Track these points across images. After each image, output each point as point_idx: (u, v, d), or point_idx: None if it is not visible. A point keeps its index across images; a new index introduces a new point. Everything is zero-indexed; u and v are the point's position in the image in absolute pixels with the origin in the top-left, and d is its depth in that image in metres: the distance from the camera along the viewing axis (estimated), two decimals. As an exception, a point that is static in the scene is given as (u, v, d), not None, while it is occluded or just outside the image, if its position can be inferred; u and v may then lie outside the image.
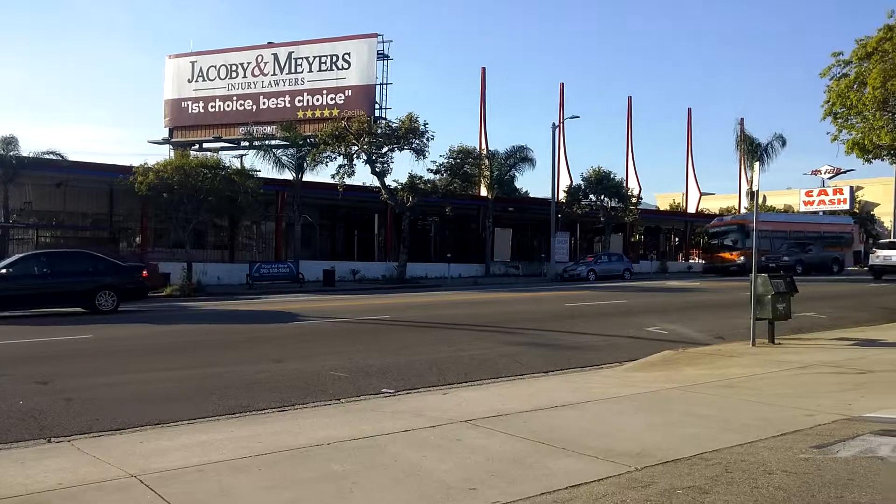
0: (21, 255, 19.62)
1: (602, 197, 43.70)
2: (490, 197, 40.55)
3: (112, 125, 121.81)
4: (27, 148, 29.70)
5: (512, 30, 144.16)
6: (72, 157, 30.64)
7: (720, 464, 4.90)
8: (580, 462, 5.08)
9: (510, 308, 18.78)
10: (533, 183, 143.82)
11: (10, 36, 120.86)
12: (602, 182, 43.31)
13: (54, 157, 29.76)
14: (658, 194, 79.59)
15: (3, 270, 17.13)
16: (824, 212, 51.86)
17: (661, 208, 67.35)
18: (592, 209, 43.44)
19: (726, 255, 40.20)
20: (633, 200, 46.03)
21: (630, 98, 58.13)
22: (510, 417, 6.60)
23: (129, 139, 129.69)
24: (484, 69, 49.57)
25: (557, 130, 44.13)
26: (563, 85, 52.04)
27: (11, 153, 28.93)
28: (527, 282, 31.95)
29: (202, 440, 5.95)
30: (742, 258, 37.59)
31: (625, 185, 47.76)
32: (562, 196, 44.13)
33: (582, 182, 44.46)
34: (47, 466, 5.21)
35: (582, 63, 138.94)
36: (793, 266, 36.92)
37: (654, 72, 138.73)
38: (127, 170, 28.68)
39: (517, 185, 49.31)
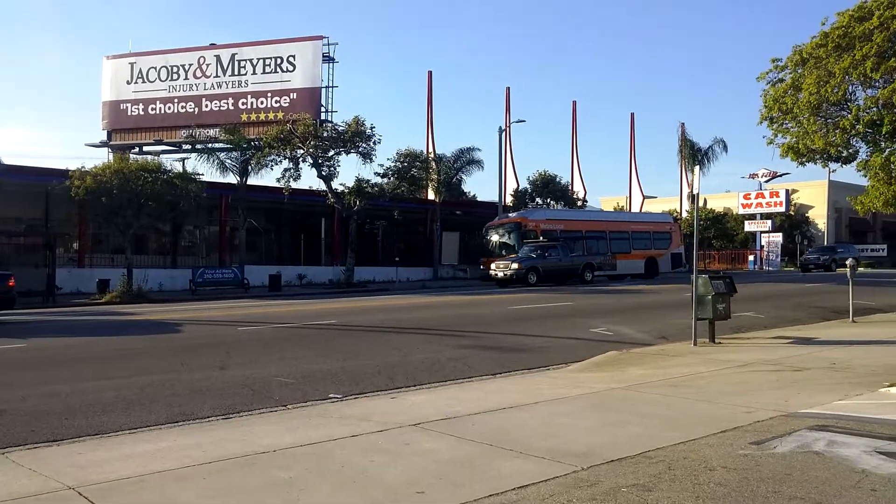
0: None
1: (548, 200, 44.31)
2: (438, 200, 40.66)
3: (44, 127, 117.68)
4: (-45, 150, 28.40)
5: (458, 33, 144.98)
6: (7, 161, 29.51)
7: (663, 461, 5.02)
8: (528, 463, 5.13)
9: (458, 311, 18.84)
10: (481, 186, 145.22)
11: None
12: (548, 185, 43.95)
13: (-15, 160, 28.60)
14: (602, 198, 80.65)
15: None
16: (761, 214, 53.39)
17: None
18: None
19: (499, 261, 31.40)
20: (579, 204, 46.81)
21: (574, 102, 59.08)
22: (459, 420, 6.63)
23: (64, 142, 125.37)
24: (430, 72, 49.89)
25: (504, 134, 44.57)
26: (508, 89, 52.54)
27: (-62, 155, 27.63)
28: (475, 285, 32.12)
29: (144, 450, 5.80)
30: (515, 265, 29.82)
31: (570, 188, 48.56)
32: (509, 199, 44.55)
33: (529, 185, 45.00)
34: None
35: (527, 67, 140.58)
36: (578, 271, 31.16)
37: (597, 76, 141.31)
38: (63, 173, 27.73)
39: (465, 188, 49.54)
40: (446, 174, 40.56)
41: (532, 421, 6.60)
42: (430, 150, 45.25)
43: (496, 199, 43.95)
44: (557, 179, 44.54)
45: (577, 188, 52.41)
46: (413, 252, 41.89)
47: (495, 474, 4.86)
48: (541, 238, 33.13)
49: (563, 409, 7.09)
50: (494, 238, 34.98)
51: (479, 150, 40.80)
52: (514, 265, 30.17)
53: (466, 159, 40.55)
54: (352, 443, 5.88)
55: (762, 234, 53.05)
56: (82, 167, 27.29)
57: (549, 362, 10.46)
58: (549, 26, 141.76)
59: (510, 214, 36.05)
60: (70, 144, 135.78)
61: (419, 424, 6.46)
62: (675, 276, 36.20)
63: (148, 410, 7.50)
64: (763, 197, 54.29)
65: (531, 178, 44.82)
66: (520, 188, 46.41)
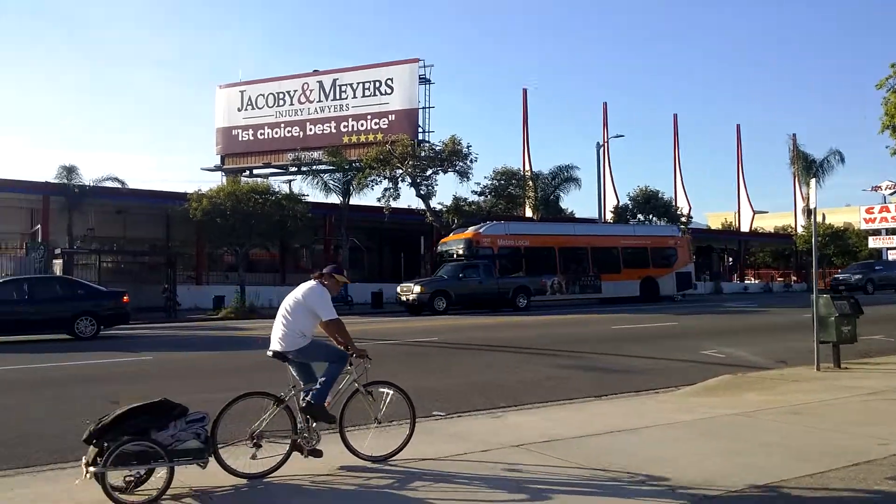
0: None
1: (650, 216, 43.10)
2: (535, 218, 40.39)
3: (164, 153, 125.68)
4: (89, 176, 30.71)
5: (553, 50, 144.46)
6: (131, 185, 31.73)
7: (789, 495, 4.72)
8: (638, 489, 4.95)
9: (557, 330, 18.57)
10: (579, 203, 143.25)
11: (73, 69, 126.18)
12: (650, 201, 42.76)
13: (114, 185, 30.82)
14: (709, 213, 78.22)
15: None
16: (887, 230, 49.64)
17: (713, 227, 66.13)
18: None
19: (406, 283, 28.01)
20: (683, 220, 45.28)
21: (675, 115, 57.53)
22: (563, 442, 6.49)
23: (182, 166, 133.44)
24: (525, 90, 49.83)
25: (602, 150, 43.89)
26: (605, 104, 51.92)
27: (73, 181, 30.04)
28: (573, 303, 31.49)
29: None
30: (418, 289, 25.52)
31: (674, 204, 47.05)
32: (608, 216, 43.71)
33: (629, 202, 43.97)
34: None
35: (626, 82, 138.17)
36: (507, 296, 26.85)
37: (700, 88, 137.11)
38: (182, 196, 29.48)
39: (562, 205, 49.01)
40: (543, 191, 40.27)
41: (641, 445, 6.37)
42: (527, 167, 45.12)
43: (595, 215, 43.25)
44: (660, 195, 43.26)
45: (682, 203, 50.79)
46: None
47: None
48: (495, 257, 28.64)
49: (673, 435, 6.82)
50: (446, 258, 29.74)
51: (577, 167, 40.14)
52: (417, 289, 25.72)
53: (564, 176, 40.11)
54: (458, 462, 5.88)
55: (889, 251, 49.23)
56: (199, 190, 28.95)
57: (656, 385, 10.09)
58: (647, 39, 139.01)
59: (465, 230, 30.50)
60: (187, 168, 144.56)
61: (522, 445, 6.40)
62: (686, 299, 32.14)
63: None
64: (888, 211, 50.42)
65: (632, 194, 43.78)
66: (619, 204, 45.45)
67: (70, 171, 30.16)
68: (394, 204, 33.75)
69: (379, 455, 5.95)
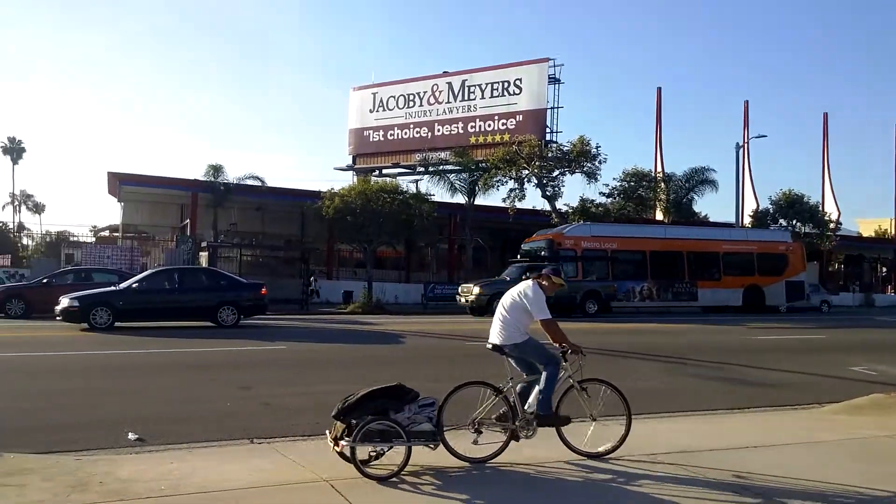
0: (152, 270, 20.79)
1: (794, 222, 40.49)
2: (666, 221, 39.03)
3: (301, 153, 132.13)
4: (232, 175, 32.94)
5: (688, 49, 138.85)
6: (269, 184, 33.62)
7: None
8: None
9: (690, 338, 17.86)
10: (714, 207, 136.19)
11: (211, 70, 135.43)
12: (794, 206, 40.15)
13: (255, 183, 32.79)
14: (860, 220, 72.28)
15: (136, 285, 17.94)
16: None
17: (865, 235, 61.18)
18: (782, 235, 40.34)
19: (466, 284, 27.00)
20: (831, 226, 42.21)
21: (825, 114, 53.73)
22: (698, 455, 6.24)
23: (316, 166, 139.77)
24: (659, 89, 48.59)
25: (742, 151, 41.75)
26: (747, 103, 49.32)
27: (219, 179, 32.25)
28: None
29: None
30: (477, 290, 24.56)
31: (821, 208, 43.96)
32: (747, 220, 41.54)
33: (770, 206, 41.52)
34: (252, 465, 5.66)
35: (766, 79, 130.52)
36: (575, 301, 25.12)
37: (853, 85, 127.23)
38: (316, 195, 30.89)
39: (696, 208, 47.02)
40: (676, 194, 38.85)
41: (782, 463, 6.02)
42: (659, 168, 43.70)
43: (731, 219, 41.26)
44: (805, 199, 40.53)
45: (830, 208, 47.39)
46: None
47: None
48: (578, 259, 27.41)
49: (817, 454, 6.39)
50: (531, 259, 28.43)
51: (713, 170, 38.40)
52: (476, 290, 24.80)
53: (699, 178, 38.50)
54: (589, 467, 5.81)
55: None
56: (331, 189, 30.22)
57: (797, 401, 9.49)
58: (793, 33, 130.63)
59: (547, 231, 29.70)
60: (321, 168, 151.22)
61: (653, 455, 6.22)
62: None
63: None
64: None
65: (773, 198, 41.29)
66: (760, 209, 43.05)
67: (217, 169, 32.41)
68: (519, 205, 33.76)
69: (596, 451, 6.06)
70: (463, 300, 25.51)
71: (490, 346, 6.18)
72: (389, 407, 5.42)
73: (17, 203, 70.27)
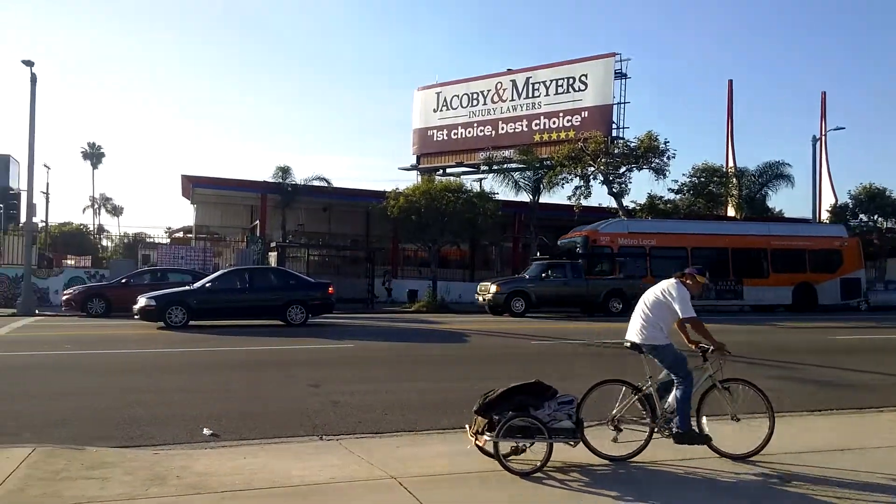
0: (224, 270, 21.22)
1: (875, 217, 38.66)
2: (738, 217, 37.84)
3: (365, 154, 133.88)
4: (298, 176, 33.64)
5: (760, 39, 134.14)
6: (335, 184, 34.19)
7: None
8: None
9: (764, 338, 17.26)
10: (789, 202, 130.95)
11: (278, 74, 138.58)
12: (875, 200, 38.32)
13: (321, 184, 33.40)
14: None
15: (209, 284, 18.50)
16: None
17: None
18: (863, 231, 38.56)
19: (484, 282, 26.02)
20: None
21: (909, 104, 50.99)
22: (777, 456, 6.03)
23: (380, 167, 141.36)
24: (731, 81, 47.00)
25: (819, 144, 40.10)
26: (824, 94, 47.38)
27: (287, 181, 32.99)
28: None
29: (451, 450, 6.18)
30: (494, 289, 23.86)
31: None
32: (824, 216, 39.89)
33: (850, 200, 39.78)
34: (321, 462, 5.76)
35: (846, 69, 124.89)
36: (598, 299, 24.23)
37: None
38: (380, 195, 31.23)
39: (769, 204, 45.39)
40: (749, 189, 37.62)
41: (868, 466, 5.76)
42: (730, 164, 42.40)
43: (807, 215, 39.69)
44: (887, 193, 38.62)
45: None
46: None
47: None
48: (615, 256, 26.84)
49: (905, 459, 6.07)
50: (565, 258, 27.41)
51: (788, 164, 37.00)
52: (493, 288, 24.02)
53: (773, 173, 37.16)
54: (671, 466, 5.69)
55: None
56: (396, 189, 30.49)
57: (883, 403, 9.04)
58: (870, 23, 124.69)
59: (584, 227, 28.71)
60: (383, 169, 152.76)
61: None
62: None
63: (452, 413, 8.00)
64: None
65: (853, 192, 39.54)
66: (838, 203, 41.28)
67: (285, 171, 33.14)
68: (584, 202, 33.29)
69: (741, 453, 6.01)
70: (481, 299, 24.88)
71: (628, 343, 6.17)
72: (529, 403, 5.52)
73: (97, 206, 73.72)
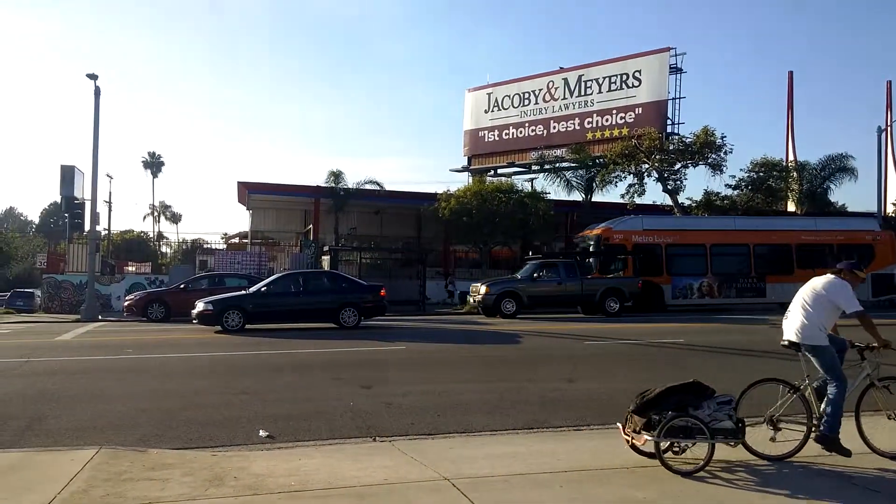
0: (279, 275, 21.32)
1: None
2: (799, 212, 36.68)
3: (417, 156, 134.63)
4: (350, 180, 34.05)
5: (821, 28, 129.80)
6: (386, 188, 34.50)
7: None
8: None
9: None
10: (852, 197, 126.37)
11: (318, 79, 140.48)
12: (944, 192, 36.71)
13: (373, 188, 33.76)
14: None
15: (264, 288, 18.72)
16: None
17: None
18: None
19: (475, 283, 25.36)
20: None
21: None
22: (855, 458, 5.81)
23: (431, 168, 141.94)
24: (791, 73, 45.65)
25: (885, 134, 38.53)
26: (889, 83, 45.50)
27: (339, 185, 33.42)
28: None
29: (504, 451, 6.16)
30: (483, 290, 23.08)
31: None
32: (890, 209, 38.34)
33: (917, 193, 38.18)
34: (374, 463, 5.79)
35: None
36: (594, 299, 23.31)
37: None
38: (432, 197, 31.39)
39: (831, 198, 43.83)
40: (810, 183, 36.45)
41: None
42: (791, 157, 41.18)
43: (872, 209, 38.23)
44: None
45: None
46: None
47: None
48: (629, 255, 25.91)
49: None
50: (580, 257, 27.03)
51: (852, 157, 35.71)
52: (483, 289, 23.28)
53: (835, 167, 35.94)
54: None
55: None
56: (447, 190, 30.61)
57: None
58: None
59: (599, 225, 27.91)
60: (433, 170, 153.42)
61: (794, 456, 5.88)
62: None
63: (505, 415, 7.97)
64: None
65: (921, 184, 37.96)
66: (904, 196, 39.70)
67: (337, 175, 33.61)
68: (638, 200, 32.78)
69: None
70: (472, 300, 24.60)
71: (786, 342, 6.11)
72: (688, 403, 5.53)
73: (156, 214, 76.00)
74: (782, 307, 19.88)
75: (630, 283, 24.48)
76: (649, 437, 5.39)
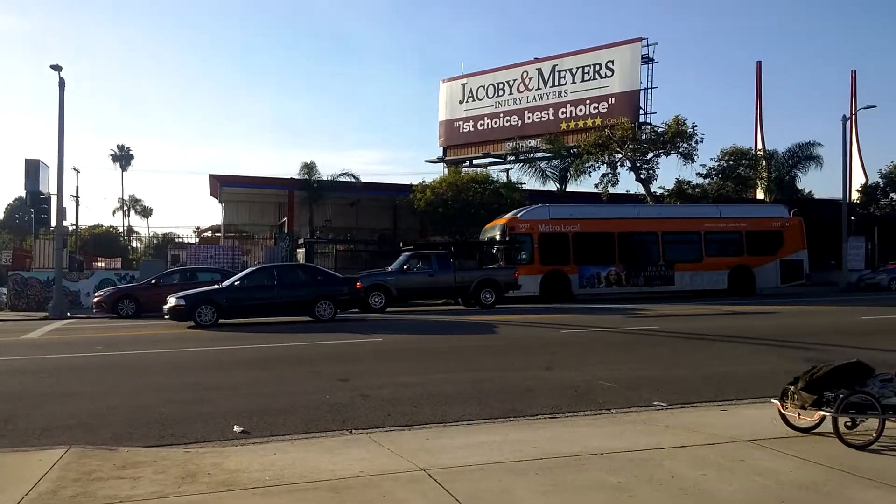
0: (252, 268, 21.13)
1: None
2: (767, 199, 37.24)
3: (391, 148, 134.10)
4: (325, 172, 33.88)
5: (788, 18, 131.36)
6: (361, 179, 34.35)
7: None
8: (891, 495, 4.38)
9: (793, 321, 16.98)
10: (818, 184, 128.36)
11: (295, 70, 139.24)
12: (905, 178, 37.52)
13: (349, 180, 33.59)
14: None
15: (238, 282, 18.60)
16: None
17: None
18: (894, 210, 37.72)
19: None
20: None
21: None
22: (802, 440, 5.92)
23: (406, 160, 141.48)
24: (759, 63, 46.27)
25: (849, 123, 39.19)
26: (854, 73, 46.40)
27: (314, 177, 33.21)
28: (813, 292, 28.39)
29: (481, 441, 6.17)
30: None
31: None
32: (855, 196, 39.08)
33: (880, 179, 39.02)
34: (351, 455, 5.78)
35: (875, 48, 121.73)
36: (468, 290, 23.25)
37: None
38: (407, 188, 31.35)
39: (799, 186, 44.58)
40: (778, 171, 37.04)
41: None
42: (759, 146, 41.76)
43: (837, 196, 39.00)
44: (921, 171, 37.78)
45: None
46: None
47: (858, 509, 4.23)
48: (535, 244, 26.14)
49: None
50: (486, 247, 27.45)
51: (819, 144, 36.42)
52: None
53: (803, 155, 36.68)
54: (682, 453, 5.60)
55: None
56: (423, 182, 30.58)
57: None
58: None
59: (505, 215, 28.01)
60: (409, 162, 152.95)
61: (755, 441, 5.93)
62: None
63: (482, 404, 8.00)
64: None
65: (883, 171, 38.75)
66: (868, 183, 40.44)
67: (310, 168, 33.40)
68: (612, 190, 33.10)
69: None
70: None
71: None
72: (854, 381, 5.75)
73: (126, 208, 74.95)
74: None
75: (506, 274, 24.20)
76: (826, 413, 5.58)
